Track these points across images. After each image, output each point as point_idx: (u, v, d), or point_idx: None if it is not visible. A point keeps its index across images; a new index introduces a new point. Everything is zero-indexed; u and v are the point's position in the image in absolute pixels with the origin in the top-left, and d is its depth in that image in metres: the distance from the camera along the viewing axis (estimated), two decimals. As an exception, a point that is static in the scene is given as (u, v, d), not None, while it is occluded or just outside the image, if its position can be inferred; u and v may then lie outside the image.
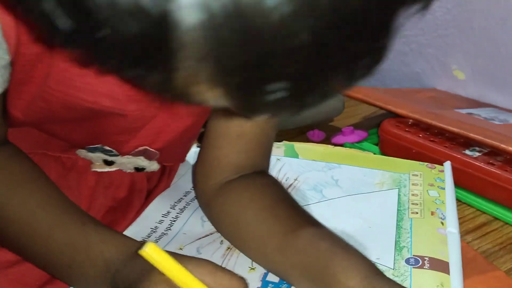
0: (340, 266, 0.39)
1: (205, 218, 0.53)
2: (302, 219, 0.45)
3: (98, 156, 0.50)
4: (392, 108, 0.71)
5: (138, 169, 0.52)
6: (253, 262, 0.47)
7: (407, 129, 0.69)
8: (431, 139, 0.67)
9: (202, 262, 0.37)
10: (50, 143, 0.49)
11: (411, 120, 0.70)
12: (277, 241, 0.43)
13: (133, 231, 0.51)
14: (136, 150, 0.49)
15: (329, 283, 0.39)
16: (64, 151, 0.49)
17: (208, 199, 0.50)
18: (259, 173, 0.50)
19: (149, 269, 0.35)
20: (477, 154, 0.63)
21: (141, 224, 0.52)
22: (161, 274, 0.34)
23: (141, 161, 0.50)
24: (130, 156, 0.50)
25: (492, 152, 0.63)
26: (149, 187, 0.55)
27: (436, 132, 0.68)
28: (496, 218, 0.59)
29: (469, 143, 0.65)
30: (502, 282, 0.47)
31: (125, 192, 0.52)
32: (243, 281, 0.37)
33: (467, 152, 0.63)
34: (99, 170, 0.51)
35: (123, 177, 0.52)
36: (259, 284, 0.44)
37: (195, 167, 0.53)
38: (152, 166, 0.52)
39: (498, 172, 0.59)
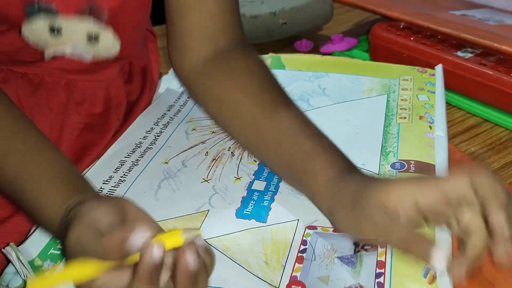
0: (316, 163, 0.39)
1: (189, 131, 0.53)
2: (287, 105, 0.45)
3: (42, 26, 0.44)
4: (383, 11, 0.68)
5: (92, 40, 0.46)
6: (239, 172, 0.46)
7: (398, 33, 0.66)
8: (423, 42, 0.64)
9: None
10: (15, 56, 0.47)
11: (402, 24, 0.67)
12: (260, 122, 0.43)
13: (118, 147, 0.50)
14: (80, 8, 0.44)
15: (303, 178, 0.40)
16: (29, 66, 0.47)
17: (189, 79, 0.49)
18: (239, 51, 0.49)
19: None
20: (469, 55, 0.60)
21: (125, 140, 0.51)
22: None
23: (92, 26, 0.45)
24: (76, 19, 0.45)
25: (485, 53, 0.61)
26: (129, 102, 0.54)
27: (428, 35, 0.65)
28: (485, 120, 0.59)
29: (461, 44, 0.63)
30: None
31: (101, 108, 0.50)
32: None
33: (459, 53, 0.61)
34: (52, 52, 0.46)
35: (96, 91, 0.50)
36: (245, 193, 0.44)
37: (168, 47, 0.51)
38: (107, 35, 0.46)
39: (489, 72, 0.57)
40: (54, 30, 0.45)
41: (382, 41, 0.66)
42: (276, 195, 0.44)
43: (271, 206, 0.42)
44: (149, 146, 0.50)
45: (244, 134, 0.45)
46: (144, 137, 0.52)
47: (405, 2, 0.75)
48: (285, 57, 0.65)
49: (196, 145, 0.51)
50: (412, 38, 0.65)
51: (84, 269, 0.29)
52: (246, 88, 0.45)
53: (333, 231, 0.40)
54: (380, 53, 0.67)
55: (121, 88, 0.52)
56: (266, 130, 0.43)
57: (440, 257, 0.32)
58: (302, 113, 0.44)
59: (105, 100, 0.50)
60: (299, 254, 0.38)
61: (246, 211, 0.42)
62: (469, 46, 0.62)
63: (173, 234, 0.30)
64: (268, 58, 0.65)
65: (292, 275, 0.36)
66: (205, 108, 0.50)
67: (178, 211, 0.42)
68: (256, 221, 0.41)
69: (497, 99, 0.57)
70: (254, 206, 0.42)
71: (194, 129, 0.53)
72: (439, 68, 0.59)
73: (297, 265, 0.37)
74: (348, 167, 0.39)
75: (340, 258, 0.37)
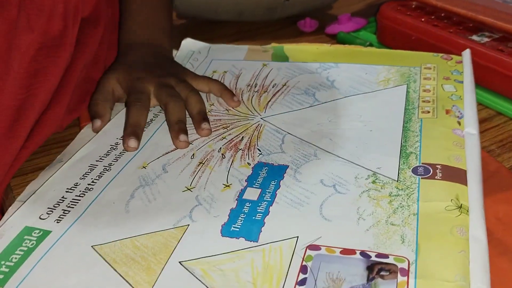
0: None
1: (175, 131, 0.45)
2: None
3: None
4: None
5: None
6: (229, 178, 0.39)
7: (408, 13, 0.58)
8: (435, 23, 0.56)
9: None
10: None
11: (415, 3, 0.59)
12: None
13: (90, 149, 0.43)
14: None
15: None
16: None
17: None
18: None
19: None
20: (486, 39, 0.52)
21: (100, 141, 0.44)
22: None
23: None
24: None
25: (504, 38, 0.52)
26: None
27: (442, 16, 0.57)
28: (499, 113, 0.50)
29: (479, 28, 0.54)
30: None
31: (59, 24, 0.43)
32: None
33: (474, 37, 0.53)
34: None
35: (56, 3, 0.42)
36: (234, 205, 0.36)
37: None
38: None
39: (507, 59, 0.49)
40: None
41: (390, 21, 0.58)
42: (272, 205, 0.36)
43: (265, 220, 0.35)
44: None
45: None
46: (122, 137, 0.45)
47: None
48: (288, 47, 0.57)
49: (182, 146, 0.43)
50: (423, 19, 0.57)
51: None
52: None
53: (340, 252, 0.32)
54: (387, 35, 0.60)
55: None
56: None
57: None
58: None
59: (64, 13, 0.43)
60: (297, 287, 0.30)
61: (234, 227, 0.34)
62: (487, 30, 0.54)
63: None
64: (270, 49, 0.57)
65: (286, 313, 0.29)
66: None
67: (151, 226, 0.35)
68: (245, 240, 0.33)
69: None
70: (244, 220, 0.35)
71: (180, 128, 0.46)
72: (466, 54, 0.51)
73: (292, 300, 0.29)
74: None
75: (349, 291, 0.29)
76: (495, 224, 0.36)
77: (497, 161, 0.43)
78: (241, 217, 0.35)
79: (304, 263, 0.31)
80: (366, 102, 0.47)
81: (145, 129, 0.45)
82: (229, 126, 0.45)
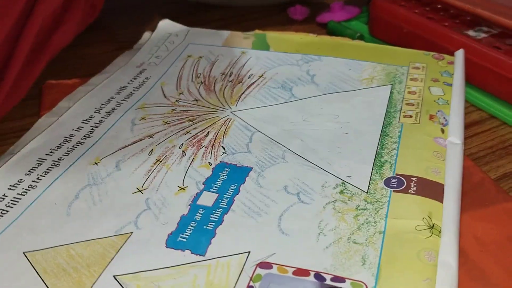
0: None
1: (137, 121, 0.42)
2: None
3: None
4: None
5: None
6: (185, 180, 0.36)
7: (402, 4, 0.54)
8: (429, 16, 0.52)
9: None
10: None
11: (411, -7, 0.55)
12: None
13: (41, 141, 0.40)
14: None
15: None
16: None
17: None
18: None
19: None
20: (483, 35, 0.48)
21: (54, 132, 0.41)
22: None
23: None
24: None
25: (503, 34, 0.48)
26: None
27: (438, 8, 0.53)
28: (492, 117, 0.46)
29: (477, 22, 0.50)
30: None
31: None
32: None
33: (470, 32, 0.49)
34: None
35: None
36: (186, 211, 0.33)
37: None
38: None
39: (502, 58, 0.45)
40: None
41: (382, 12, 0.54)
42: (227, 213, 0.33)
43: (217, 231, 0.31)
44: (81, 141, 0.40)
45: None
46: (79, 128, 0.41)
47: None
48: (271, 35, 0.53)
49: (141, 139, 0.40)
50: (416, 11, 0.53)
51: None
52: None
53: (293, 273, 0.29)
54: (378, 26, 0.56)
55: None
56: None
57: None
58: None
59: None
60: (238, 312, 0.27)
61: (181, 237, 0.31)
62: (486, 25, 0.50)
63: None
64: (252, 36, 0.53)
65: None
66: None
67: (91, 233, 0.31)
68: (191, 252, 0.30)
69: (509, 91, 0.45)
70: (194, 230, 0.31)
71: (143, 118, 0.42)
72: (459, 54, 0.47)
73: (231, 329, 0.26)
74: None
75: (294, 321, 0.26)
76: (471, 244, 0.33)
77: (483, 171, 0.39)
78: (191, 226, 0.32)
79: (251, 283, 0.28)
80: (346, 101, 0.43)
81: (104, 119, 0.42)
82: (195, 119, 0.42)
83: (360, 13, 0.62)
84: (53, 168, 0.37)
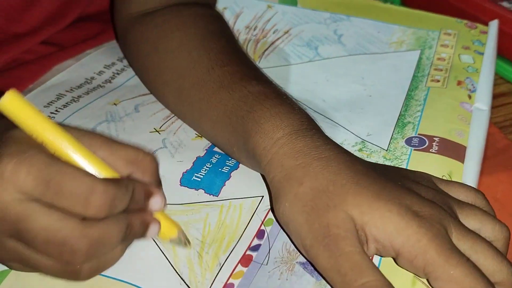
0: (260, 118, 0.28)
1: (158, 70, 0.41)
2: (237, 56, 0.33)
3: None
4: None
5: None
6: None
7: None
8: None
9: (93, 134, 0.25)
10: None
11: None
12: (198, 74, 0.32)
13: (60, 79, 0.40)
14: None
15: (245, 136, 0.29)
16: None
17: (125, 28, 0.38)
18: (199, 3, 0.37)
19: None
20: None
21: (74, 72, 0.41)
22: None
23: None
24: None
25: None
26: None
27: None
28: None
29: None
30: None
31: None
32: (145, 151, 0.25)
33: (505, 4, 0.47)
34: None
35: None
36: (202, 153, 0.33)
37: None
38: None
39: None
40: None
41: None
42: (243, 161, 0.32)
43: (232, 174, 0.31)
44: (102, 84, 0.40)
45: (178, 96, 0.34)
46: (100, 72, 0.41)
47: None
48: (301, -9, 0.52)
49: (162, 87, 0.40)
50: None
51: None
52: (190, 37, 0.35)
53: (306, 220, 0.28)
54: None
55: None
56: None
57: None
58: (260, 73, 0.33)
59: None
60: (248, 252, 0.26)
61: (196, 176, 0.31)
62: None
63: (171, 226, 0.25)
64: (280, -10, 0.52)
65: (228, 282, 0.25)
66: (131, 61, 0.40)
67: (106, 166, 0.31)
68: (205, 192, 0.30)
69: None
70: (208, 171, 0.31)
71: (165, 67, 0.42)
72: (494, 24, 0.45)
73: (239, 267, 0.26)
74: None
75: (304, 265, 0.26)
76: (491, 204, 0.32)
77: (508, 138, 0.38)
78: (206, 167, 0.32)
79: (262, 227, 0.28)
80: (372, 64, 0.42)
81: (126, 68, 0.42)
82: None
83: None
84: (72, 103, 0.37)
